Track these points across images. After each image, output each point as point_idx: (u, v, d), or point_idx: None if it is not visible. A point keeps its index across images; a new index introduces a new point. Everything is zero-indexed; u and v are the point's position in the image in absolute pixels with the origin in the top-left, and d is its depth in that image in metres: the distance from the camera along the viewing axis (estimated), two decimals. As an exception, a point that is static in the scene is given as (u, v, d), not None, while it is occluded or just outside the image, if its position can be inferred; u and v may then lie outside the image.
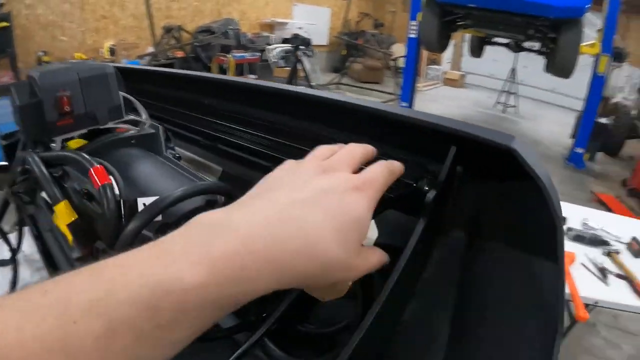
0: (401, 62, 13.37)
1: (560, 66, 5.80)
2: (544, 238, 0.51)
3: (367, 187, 0.47)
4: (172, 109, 1.27)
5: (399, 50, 14.29)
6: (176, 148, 0.97)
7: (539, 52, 8.34)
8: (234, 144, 1.08)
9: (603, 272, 2.53)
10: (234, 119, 1.11)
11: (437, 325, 0.58)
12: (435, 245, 0.63)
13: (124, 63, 7.85)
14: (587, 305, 2.31)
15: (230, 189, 0.67)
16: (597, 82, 7.01)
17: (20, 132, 0.86)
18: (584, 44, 6.06)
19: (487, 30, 6.84)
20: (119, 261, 0.34)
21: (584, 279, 2.43)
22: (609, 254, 2.72)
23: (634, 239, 2.84)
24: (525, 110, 11.76)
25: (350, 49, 14.16)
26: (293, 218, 0.40)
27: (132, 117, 0.97)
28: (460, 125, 0.58)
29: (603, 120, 8.01)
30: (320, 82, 10.54)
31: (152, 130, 0.92)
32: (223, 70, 9.65)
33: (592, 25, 6.54)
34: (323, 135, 0.86)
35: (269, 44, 11.02)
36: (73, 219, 0.69)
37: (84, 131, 0.87)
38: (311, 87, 9.01)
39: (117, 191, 0.65)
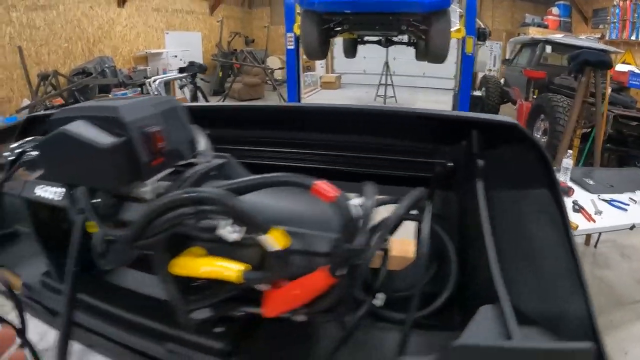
0: (278, 74, 13.68)
1: (435, 53, 6.29)
2: (539, 178, 0.78)
3: None
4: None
5: (274, 63, 14.59)
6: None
7: (407, 43, 8.98)
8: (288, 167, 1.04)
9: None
10: (281, 144, 1.07)
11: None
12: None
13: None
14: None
15: None
16: (467, 61, 7.75)
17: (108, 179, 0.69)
18: (451, 30, 6.65)
19: (364, 31, 7.24)
20: None
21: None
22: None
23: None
24: (403, 98, 12.44)
25: (226, 69, 14.21)
26: None
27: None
28: (469, 114, 0.80)
29: (477, 93, 8.87)
30: (206, 106, 10.51)
31: (225, 159, 0.88)
32: (106, 111, 9.26)
33: (454, 12, 7.17)
34: (352, 142, 0.98)
35: (146, 77, 10.85)
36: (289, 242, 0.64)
37: (170, 170, 0.81)
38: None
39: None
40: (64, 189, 0.74)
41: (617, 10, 12.46)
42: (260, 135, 1.10)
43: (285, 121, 1.06)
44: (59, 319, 0.85)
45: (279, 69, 14.13)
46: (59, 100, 8.52)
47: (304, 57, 7.92)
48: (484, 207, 0.73)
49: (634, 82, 7.06)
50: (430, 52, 6.32)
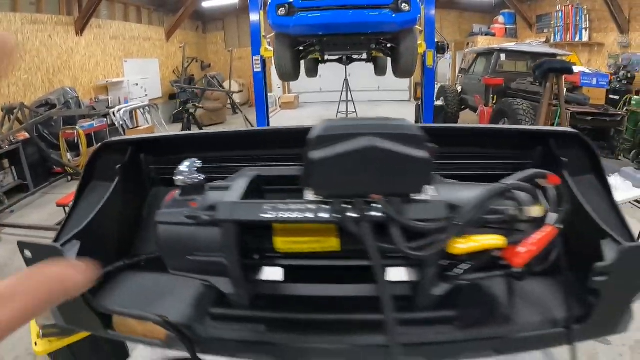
0: (236, 98, 13.80)
1: (404, 69, 6.49)
2: (592, 171, 1.11)
3: None
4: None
5: (232, 87, 14.70)
6: None
7: (366, 60, 9.27)
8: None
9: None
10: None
11: None
12: None
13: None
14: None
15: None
16: (429, 74, 8.12)
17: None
18: (414, 45, 6.97)
19: (334, 52, 7.43)
20: None
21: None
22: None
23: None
24: (364, 113, 12.81)
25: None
26: None
27: None
28: (544, 128, 1.12)
29: (438, 103, 9.30)
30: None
31: None
32: (74, 145, 9.03)
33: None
34: None
35: (109, 107, 10.78)
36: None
37: None
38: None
39: None
40: (313, 207, 0.80)
41: (560, 15, 13.40)
42: None
43: None
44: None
45: (239, 92, 14.26)
46: (23, 135, 8.23)
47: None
48: (577, 190, 1.00)
49: (585, 82, 7.70)
50: (400, 68, 6.53)
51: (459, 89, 11.65)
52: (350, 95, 12.62)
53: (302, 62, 9.02)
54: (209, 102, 13.96)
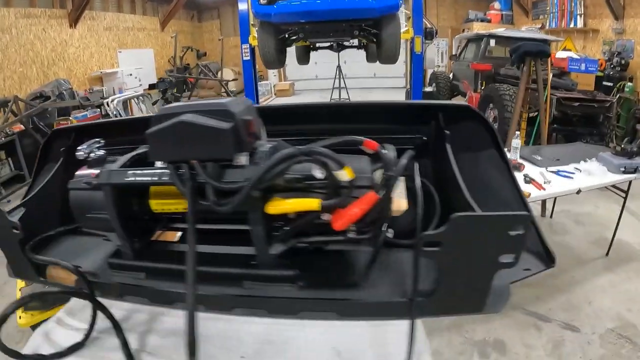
0: (232, 86, 13.81)
1: (387, 55, 6.50)
2: (491, 145, 1.15)
3: None
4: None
5: (227, 74, 14.71)
6: None
7: (358, 47, 9.27)
8: None
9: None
10: None
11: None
12: None
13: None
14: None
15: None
16: (417, 60, 8.16)
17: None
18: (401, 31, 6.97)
19: (319, 39, 7.45)
20: None
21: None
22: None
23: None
24: (357, 99, 12.73)
25: (181, 84, 14.17)
26: None
27: None
28: (436, 102, 1.16)
29: (428, 89, 9.33)
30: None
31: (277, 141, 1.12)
32: (67, 135, 9.08)
33: (402, 14, 7.53)
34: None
35: (103, 98, 10.86)
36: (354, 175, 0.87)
37: None
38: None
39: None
40: (159, 171, 0.95)
41: (555, 1, 13.39)
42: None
43: (289, 117, 1.33)
44: (130, 289, 1.13)
45: (233, 80, 14.28)
46: (18, 127, 8.35)
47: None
48: (453, 161, 1.05)
49: (573, 67, 7.70)
50: (383, 54, 6.54)
51: (451, 75, 11.67)
52: (344, 82, 12.59)
53: (294, 49, 9.12)
54: (203, 91, 14.06)
